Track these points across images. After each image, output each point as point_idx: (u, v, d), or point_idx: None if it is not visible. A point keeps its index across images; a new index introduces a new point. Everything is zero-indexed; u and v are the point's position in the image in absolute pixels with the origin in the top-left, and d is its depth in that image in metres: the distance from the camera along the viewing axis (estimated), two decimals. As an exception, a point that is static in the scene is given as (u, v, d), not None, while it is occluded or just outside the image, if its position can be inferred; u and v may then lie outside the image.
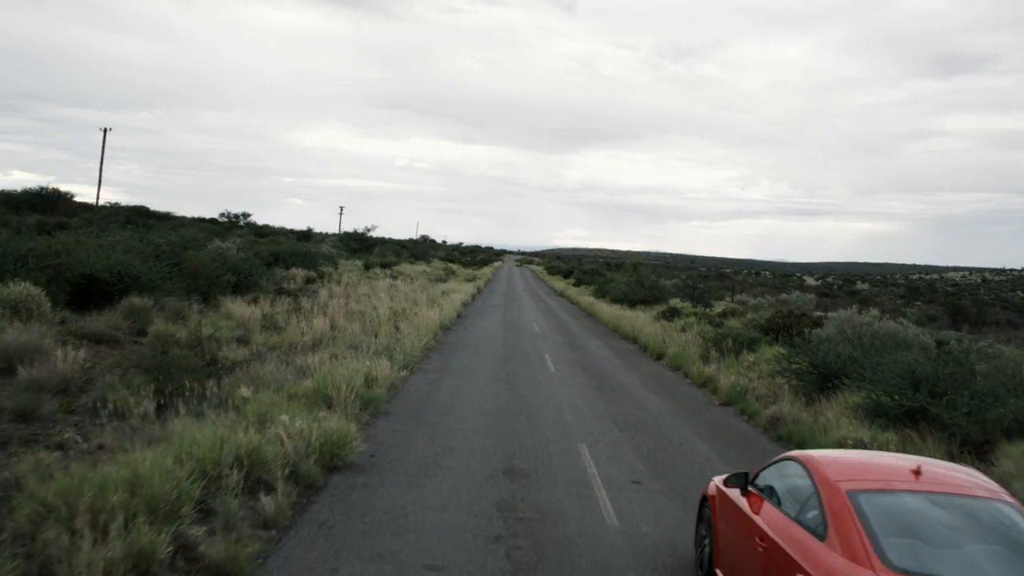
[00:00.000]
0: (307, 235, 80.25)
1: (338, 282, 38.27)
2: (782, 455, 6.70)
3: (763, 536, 5.79)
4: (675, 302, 43.71)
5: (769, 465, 6.71)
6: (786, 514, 5.77)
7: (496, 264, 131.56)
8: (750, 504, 6.40)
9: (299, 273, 36.55)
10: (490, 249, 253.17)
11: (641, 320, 32.95)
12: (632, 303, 44.49)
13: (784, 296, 46.88)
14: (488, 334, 27.54)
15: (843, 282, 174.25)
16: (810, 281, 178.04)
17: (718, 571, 6.80)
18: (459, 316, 32.40)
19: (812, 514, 5.42)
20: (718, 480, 7.47)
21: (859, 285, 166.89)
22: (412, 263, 69.59)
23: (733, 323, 33.52)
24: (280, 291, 27.91)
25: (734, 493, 6.83)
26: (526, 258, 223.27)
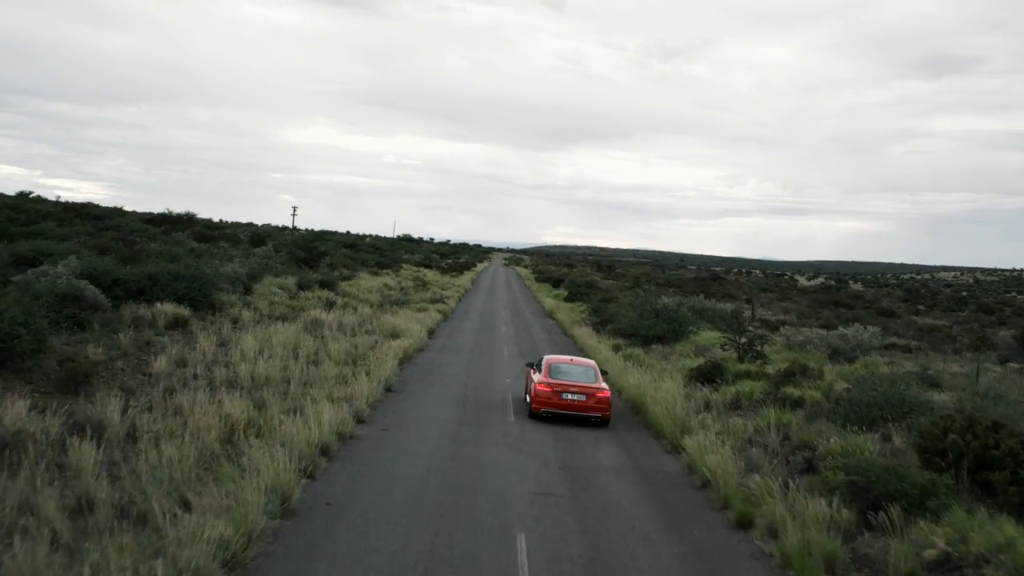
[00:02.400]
0: (261, 239, 67.24)
1: (233, 321, 25.51)
2: (541, 357, 21.53)
3: (529, 377, 20.05)
4: (706, 340, 31.09)
5: (538, 360, 20.63)
6: (536, 371, 19.52)
7: (480, 267, 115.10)
8: (532, 371, 19.93)
9: (168, 310, 23.68)
10: (478, 247, 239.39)
11: (673, 393, 20.27)
12: (645, 340, 31.89)
13: (841, 330, 34.30)
14: (411, 473, 13.67)
15: (836, 283, 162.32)
16: (802, 281, 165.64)
17: (527, 396, 19.76)
18: (389, 389, 19.66)
19: (541, 368, 19.47)
20: (527, 368, 21.34)
21: (853, 286, 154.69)
22: (375, 274, 56.49)
23: (812, 394, 20.85)
24: (64, 365, 15.16)
25: (528, 369, 20.80)
26: (515, 256, 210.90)
